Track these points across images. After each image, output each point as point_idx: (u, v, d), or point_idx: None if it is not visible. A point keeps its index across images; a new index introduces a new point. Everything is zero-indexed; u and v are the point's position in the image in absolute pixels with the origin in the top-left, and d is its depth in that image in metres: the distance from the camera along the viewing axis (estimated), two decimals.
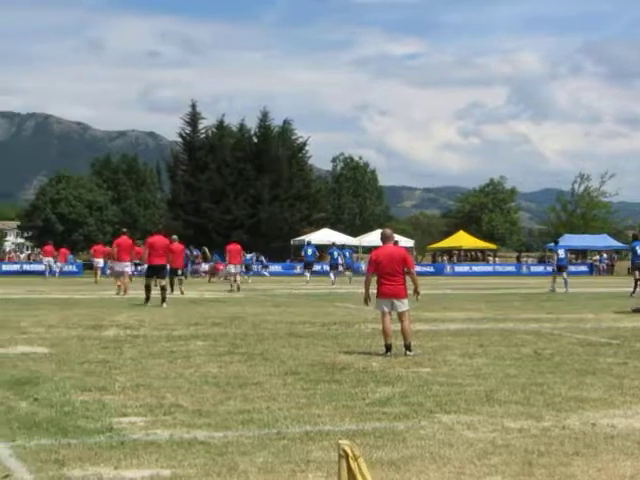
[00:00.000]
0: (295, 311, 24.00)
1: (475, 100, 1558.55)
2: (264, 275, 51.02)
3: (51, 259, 58.86)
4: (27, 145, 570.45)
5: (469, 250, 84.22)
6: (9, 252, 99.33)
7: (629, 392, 10.63)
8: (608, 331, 18.46)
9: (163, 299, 25.58)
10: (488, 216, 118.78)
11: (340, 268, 47.70)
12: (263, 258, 61.62)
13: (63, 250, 61.04)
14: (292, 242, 70.20)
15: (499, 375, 11.87)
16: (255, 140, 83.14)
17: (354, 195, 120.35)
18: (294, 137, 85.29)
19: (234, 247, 39.02)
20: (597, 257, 76.75)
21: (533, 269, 70.64)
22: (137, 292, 27.94)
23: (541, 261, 79.24)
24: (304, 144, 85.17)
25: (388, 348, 14.14)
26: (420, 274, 38.98)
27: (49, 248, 60.05)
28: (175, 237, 33.10)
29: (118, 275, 33.16)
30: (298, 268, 58.87)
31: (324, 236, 66.02)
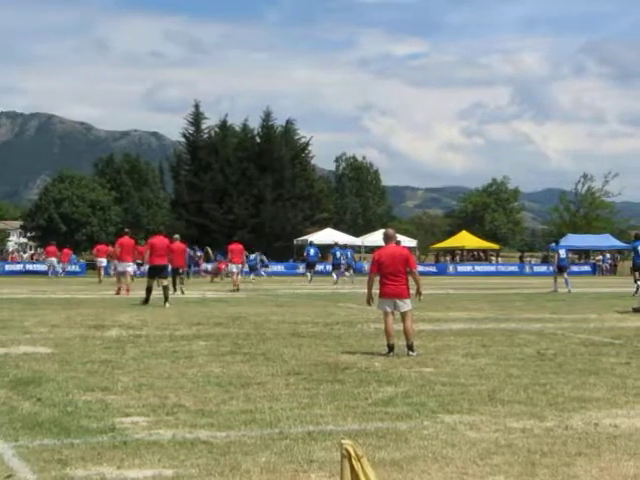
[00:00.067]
0: (297, 311, 23.99)
1: (478, 100, 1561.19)
2: (261, 275, 50.92)
3: (54, 259, 58.95)
4: (30, 145, 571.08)
5: (472, 250, 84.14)
6: (12, 252, 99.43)
7: (632, 392, 10.62)
8: (611, 331, 18.45)
9: (166, 298, 25.61)
10: (491, 216, 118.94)
11: (342, 268, 47.65)
12: (264, 257, 61.55)
13: (66, 250, 61.00)
14: (295, 242, 70.14)
15: (502, 375, 11.87)
16: (258, 140, 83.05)
17: (357, 195, 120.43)
18: (297, 137, 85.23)
19: (236, 247, 39.03)
20: (600, 257, 76.65)
21: (536, 269, 70.53)
22: (140, 292, 27.91)
23: (544, 261, 79.09)
24: (307, 144, 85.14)
25: (391, 348, 14.14)
26: (423, 274, 38.95)
27: (52, 249, 60.14)
28: (177, 236, 33.09)
29: (120, 275, 33.18)
30: (301, 268, 58.81)
31: (327, 236, 65.95)
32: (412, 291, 14.57)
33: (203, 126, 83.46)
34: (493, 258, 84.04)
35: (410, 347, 14.17)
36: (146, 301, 25.98)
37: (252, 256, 50.84)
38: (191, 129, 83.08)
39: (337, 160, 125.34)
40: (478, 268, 70.68)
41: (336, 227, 78.49)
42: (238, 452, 7.50)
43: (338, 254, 47.50)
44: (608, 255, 75.98)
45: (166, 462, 7.19)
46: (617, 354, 14.45)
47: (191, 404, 9.66)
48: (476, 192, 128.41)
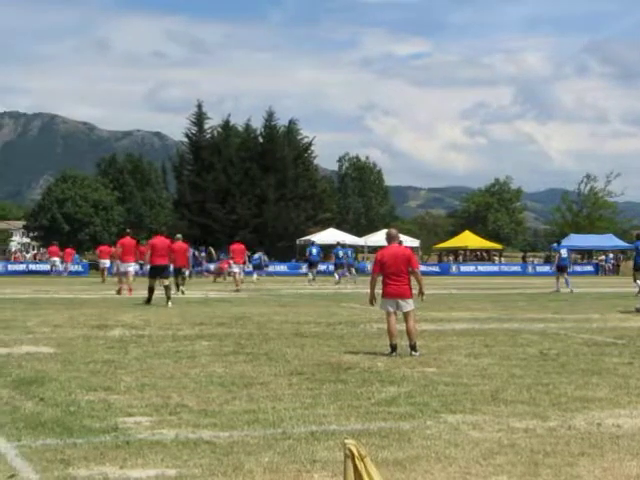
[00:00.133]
0: (300, 311, 23.99)
1: (480, 100, 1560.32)
2: (262, 275, 50.88)
3: (56, 259, 59.08)
4: (33, 145, 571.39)
5: (475, 250, 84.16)
6: (15, 252, 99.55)
7: (635, 392, 10.62)
8: (614, 331, 18.44)
9: (168, 298, 25.71)
10: (494, 216, 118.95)
11: (345, 268, 47.61)
12: (266, 257, 61.51)
13: (69, 250, 61.07)
14: (298, 242, 70.14)
15: (505, 375, 11.86)
16: (261, 140, 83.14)
17: (360, 195, 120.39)
18: (300, 137, 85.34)
19: (238, 247, 39.05)
20: (603, 257, 76.63)
21: (539, 269, 70.55)
22: (142, 292, 27.92)
23: (547, 261, 79.07)
24: (310, 144, 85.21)
25: (393, 348, 14.14)
26: (426, 274, 39.01)
27: (54, 248, 60.31)
28: (179, 236, 33.13)
29: (122, 275, 33.22)
30: (303, 268, 58.80)
31: (329, 236, 65.92)
32: (415, 291, 14.56)
33: (206, 126, 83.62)
34: (496, 258, 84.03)
35: (413, 347, 14.17)
36: (148, 301, 26.04)
37: (256, 255, 50.83)
38: (194, 129, 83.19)
39: (340, 160, 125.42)
40: (481, 268, 70.70)
41: (339, 227, 78.52)
42: (241, 452, 7.50)
43: (340, 254, 47.47)
44: (611, 255, 75.95)
45: (169, 462, 7.19)
46: (620, 354, 14.45)
47: (194, 404, 9.66)
48: (479, 192, 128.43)
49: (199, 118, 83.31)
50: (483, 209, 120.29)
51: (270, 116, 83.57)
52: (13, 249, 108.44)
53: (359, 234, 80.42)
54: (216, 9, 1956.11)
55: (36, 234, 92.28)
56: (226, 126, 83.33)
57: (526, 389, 10.70)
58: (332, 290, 38.18)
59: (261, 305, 26.83)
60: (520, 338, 16.80)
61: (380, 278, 14.58)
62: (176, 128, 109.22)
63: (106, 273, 47.52)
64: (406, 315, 14.37)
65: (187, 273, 44.70)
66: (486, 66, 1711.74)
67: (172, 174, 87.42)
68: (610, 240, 78.17)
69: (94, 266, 60.12)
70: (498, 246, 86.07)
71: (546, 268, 67.67)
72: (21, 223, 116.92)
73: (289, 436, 8.10)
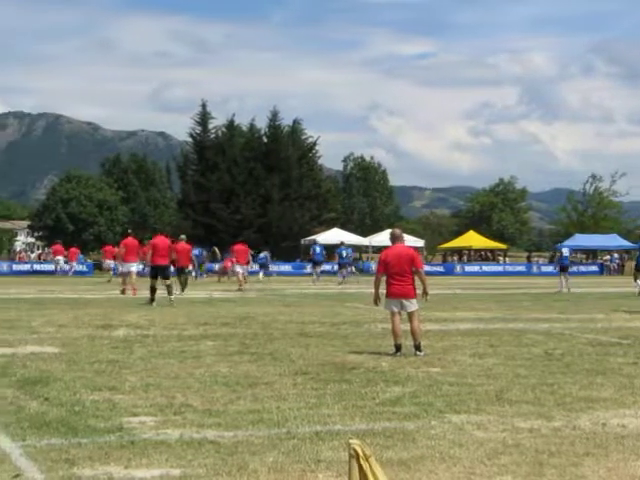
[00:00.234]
0: (305, 311, 24.00)
1: (485, 100, 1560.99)
2: (271, 275, 50.91)
3: (61, 258, 59.09)
4: (38, 145, 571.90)
5: (479, 250, 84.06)
6: (20, 252, 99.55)
7: (639, 392, 10.61)
8: (618, 331, 18.43)
9: (169, 293, 26.26)
10: (498, 216, 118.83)
11: (349, 268, 47.63)
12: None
13: (73, 249, 61.07)
14: (302, 242, 70.09)
15: (509, 375, 11.86)
16: (265, 140, 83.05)
17: (364, 195, 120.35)
18: (304, 137, 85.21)
19: (240, 247, 39.05)
20: (608, 257, 76.50)
21: (543, 269, 70.37)
22: (145, 292, 27.90)
23: (552, 261, 79.03)
24: (314, 144, 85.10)
25: (398, 348, 14.14)
26: (430, 274, 38.94)
27: (58, 247, 60.30)
28: (183, 237, 33.24)
29: (125, 275, 33.26)
30: (308, 268, 58.81)
31: (334, 236, 65.84)
32: (419, 291, 14.56)
33: (210, 126, 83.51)
34: (500, 258, 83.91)
35: (417, 347, 14.16)
36: (151, 301, 26.06)
37: (261, 255, 50.85)
38: (198, 129, 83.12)
39: (345, 160, 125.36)
40: (485, 268, 70.59)
41: (343, 227, 78.49)
42: (245, 452, 7.50)
43: (344, 254, 47.48)
44: (616, 255, 75.81)
45: (173, 462, 7.20)
46: (625, 354, 14.43)
47: (198, 404, 9.66)
48: (483, 192, 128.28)
49: (203, 118, 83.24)
50: (488, 209, 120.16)
51: (274, 116, 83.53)
52: (18, 249, 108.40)
53: (364, 234, 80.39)
54: (219, 9, 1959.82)
55: (41, 234, 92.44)
56: (230, 126, 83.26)
57: (531, 389, 10.69)
58: (336, 290, 38.17)
59: (265, 305, 26.83)
60: (525, 338, 16.79)
61: (384, 278, 14.58)
62: (180, 128, 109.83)
63: (112, 273, 47.51)
64: (410, 315, 14.37)
65: (194, 274, 44.81)
66: (491, 66, 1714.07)
67: (176, 174, 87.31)
68: (615, 240, 78.10)
69: (98, 266, 60.18)
70: (503, 246, 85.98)
71: (551, 268, 67.31)
72: (26, 223, 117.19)
73: (293, 436, 8.09)
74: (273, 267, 57.77)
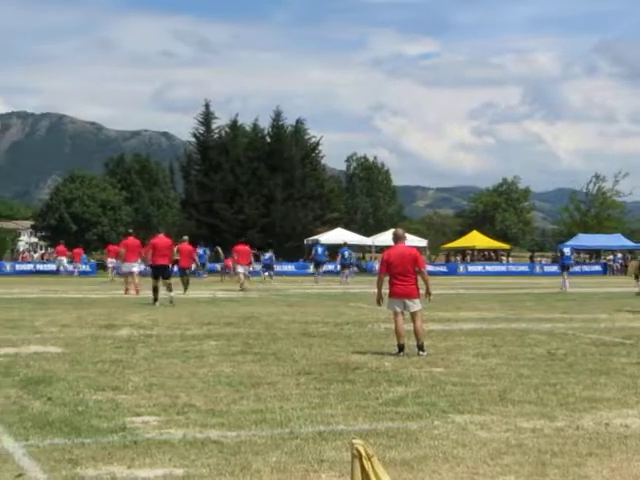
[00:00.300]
0: (308, 311, 24.01)
1: (489, 100, 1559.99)
2: (272, 275, 50.79)
3: (64, 259, 59.17)
4: (41, 145, 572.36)
5: (482, 250, 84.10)
6: (23, 252, 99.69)
7: None
8: (622, 331, 18.42)
9: (169, 290, 26.43)
10: (502, 216, 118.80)
11: (352, 268, 47.62)
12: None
13: (77, 250, 61.17)
14: (305, 242, 70.14)
15: (512, 375, 11.85)
16: (268, 140, 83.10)
17: (368, 195, 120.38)
18: (307, 137, 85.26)
19: (242, 248, 39.01)
20: (611, 257, 76.50)
21: (547, 269, 70.39)
22: (148, 292, 27.92)
23: (555, 261, 79.03)
24: (317, 144, 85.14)
25: (401, 348, 14.13)
26: (433, 274, 38.96)
27: (61, 248, 60.41)
28: (186, 238, 33.30)
29: (126, 275, 33.29)
30: (311, 268, 58.81)
31: (337, 236, 65.93)
32: (422, 291, 14.56)
33: (213, 126, 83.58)
34: (504, 258, 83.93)
35: (420, 347, 14.16)
36: (154, 301, 26.09)
37: (267, 255, 50.82)
38: (201, 129, 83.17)
39: (348, 160, 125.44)
40: (489, 268, 70.60)
41: (347, 227, 78.56)
42: (249, 452, 7.50)
43: (347, 254, 47.51)
44: (619, 255, 75.77)
45: (177, 462, 7.20)
46: (628, 354, 14.43)
47: (202, 404, 9.67)
48: (487, 192, 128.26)
49: (207, 118, 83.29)
50: (491, 209, 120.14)
51: (278, 116, 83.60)
52: (21, 249, 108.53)
53: (367, 234, 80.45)
54: (221, 9, 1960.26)
55: (44, 234, 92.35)
56: (234, 126, 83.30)
57: (534, 389, 10.69)
58: (340, 290, 38.18)
59: (269, 305, 26.84)
60: (528, 338, 16.79)
61: (387, 278, 14.58)
62: (184, 128, 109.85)
63: (114, 272, 47.53)
64: (413, 315, 14.37)
65: (200, 272, 44.79)
66: (495, 66, 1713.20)
67: (180, 174, 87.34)
68: (618, 240, 78.09)
69: (102, 266, 60.22)
70: (506, 246, 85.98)
71: (554, 268, 67.47)
72: (29, 223, 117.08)
73: (297, 436, 8.10)
74: (276, 267, 57.64)
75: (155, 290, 26.34)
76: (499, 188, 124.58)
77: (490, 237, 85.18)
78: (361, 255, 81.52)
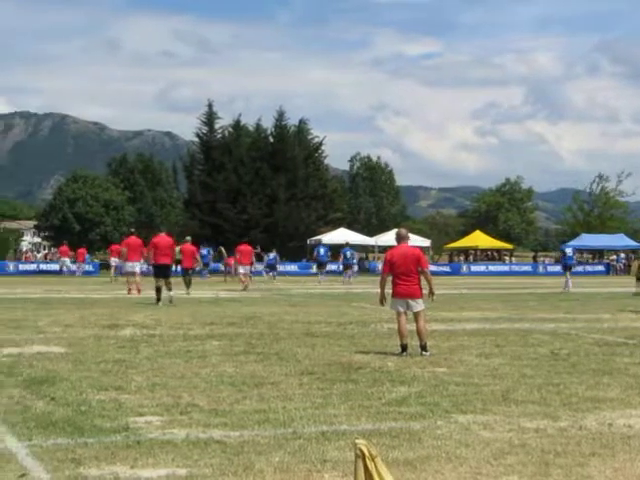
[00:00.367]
0: (311, 311, 24.01)
1: (491, 100, 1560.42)
2: (275, 276, 50.79)
3: (67, 259, 59.21)
4: (44, 145, 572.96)
5: (485, 250, 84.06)
6: (26, 252, 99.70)
7: None
8: (625, 331, 18.41)
9: (169, 290, 26.46)
10: (504, 216, 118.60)
11: (355, 268, 47.61)
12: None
13: (80, 250, 61.21)
14: (308, 242, 70.09)
15: (515, 375, 11.85)
16: (271, 140, 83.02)
17: (371, 195, 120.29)
18: (310, 137, 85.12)
19: (245, 248, 39.02)
20: (614, 257, 76.44)
21: (550, 269, 70.36)
22: (150, 292, 27.93)
23: (558, 261, 78.98)
24: (320, 144, 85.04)
25: (404, 348, 14.13)
26: (436, 274, 38.92)
27: (64, 248, 60.46)
28: (188, 238, 33.33)
29: (129, 275, 33.31)
30: (314, 268, 58.80)
31: (340, 236, 65.86)
32: (425, 291, 14.55)
33: (216, 126, 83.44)
34: (507, 258, 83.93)
35: (423, 347, 14.16)
36: (157, 301, 26.10)
37: (271, 255, 50.83)
38: (204, 129, 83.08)
39: (351, 160, 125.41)
40: (492, 268, 70.56)
41: (350, 227, 78.53)
42: (252, 452, 7.50)
43: (349, 254, 47.52)
44: (622, 255, 75.73)
45: (180, 462, 7.20)
46: (631, 354, 14.42)
47: (205, 404, 9.67)
48: (490, 192, 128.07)
49: (210, 118, 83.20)
50: (494, 209, 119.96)
51: (280, 116, 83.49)
52: (24, 249, 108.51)
53: (370, 234, 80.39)
54: (223, 9, 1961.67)
55: (47, 234, 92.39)
56: (237, 126, 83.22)
57: (537, 389, 10.68)
58: (343, 290, 38.18)
59: (272, 305, 26.84)
60: (531, 338, 16.78)
61: (390, 278, 14.57)
62: (187, 128, 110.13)
63: (115, 272, 47.44)
64: (416, 315, 14.36)
65: (204, 273, 44.80)
66: (497, 66, 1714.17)
67: (183, 174, 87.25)
68: (621, 240, 78.03)
69: (105, 266, 60.24)
70: (509, 246, 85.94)
71: (557, 268, 67.39)
72: (32, 223, 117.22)
73: (300, 436, 8.09)
74: (279, 267, 57.66)
75: (158, 290, 26.35)
76: (502, 188, 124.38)
77: (493, 237, 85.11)
78: (364, 255, 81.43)
